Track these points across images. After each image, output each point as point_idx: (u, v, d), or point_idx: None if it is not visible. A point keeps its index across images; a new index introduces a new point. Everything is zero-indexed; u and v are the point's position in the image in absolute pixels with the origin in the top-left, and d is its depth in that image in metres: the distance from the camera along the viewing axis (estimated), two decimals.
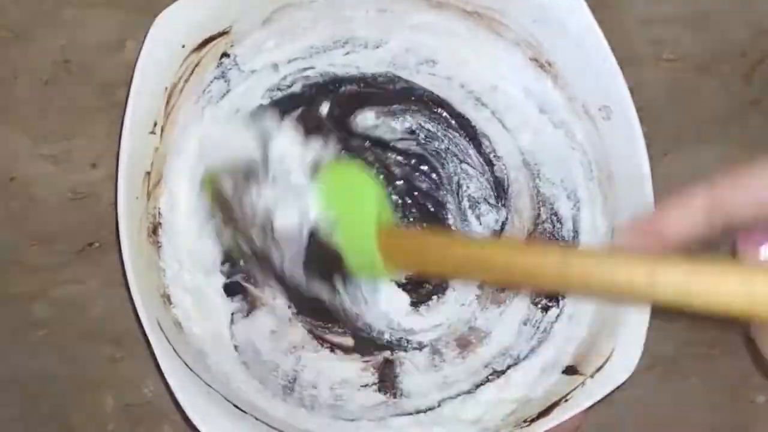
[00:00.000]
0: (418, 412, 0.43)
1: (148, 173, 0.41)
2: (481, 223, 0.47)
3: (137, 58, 0.40)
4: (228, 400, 0.40)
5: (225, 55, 0.44)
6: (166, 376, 0.38)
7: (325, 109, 0.47)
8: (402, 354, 0.46)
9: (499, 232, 0.47)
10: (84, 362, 0.48)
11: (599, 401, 0.39)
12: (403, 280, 0.46)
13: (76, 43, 0.49)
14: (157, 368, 0.38)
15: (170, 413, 0.48)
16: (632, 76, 0.41)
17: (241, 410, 0.40)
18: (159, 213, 0.43)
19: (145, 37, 0.40)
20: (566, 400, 0.38)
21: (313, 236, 0.41)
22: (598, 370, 0.38)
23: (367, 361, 0.45)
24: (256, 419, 0.40)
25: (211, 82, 0.44)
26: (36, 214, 0.49)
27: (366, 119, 0.47)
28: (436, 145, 0.48)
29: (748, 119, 0.51)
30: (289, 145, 0.42)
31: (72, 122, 0.49)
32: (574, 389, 0.39)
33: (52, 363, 0.48)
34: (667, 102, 0.51)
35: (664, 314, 0.31)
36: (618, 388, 0.39)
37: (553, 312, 0.44)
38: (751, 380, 0.49)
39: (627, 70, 0.41)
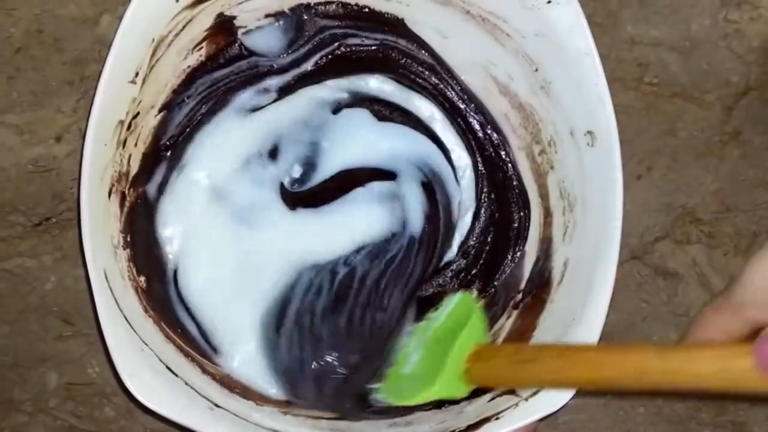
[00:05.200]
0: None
1: (122, 122, 0.41)
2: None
3: (112, 34, 0.40)
4: (162, 362, 0.39)
5: (221, 15, 0.44)
6: (102, 326, 0.37)
7: None
8: None
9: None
10: (31, 337, 0.48)
11: (541, 421, 0.39)
12: None
13: (51, 13, 0.49)
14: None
15: (113, 395, 0.48)
16: (613, 96, 0.41)
17: (173, 372, 0.40)
18: (128, 162, 0.43)
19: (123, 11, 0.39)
20: (497, 418, 0.38)
21: None
22: (534, 393, 0.38)
23: None
24: (186, 384, 0.40)
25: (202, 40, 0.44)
26: None
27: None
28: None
29: (726, 151, 0.51)
30: None
31: (39, 93, 0.48)
32: (507, 409, 0.39)
33: None
34: (646, 125, 0.50)
35: None
36: (557, 411, 0.38)
37: None
38: (698, 415, 0.49)
39: (609, 88, 0.41)
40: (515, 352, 0.39)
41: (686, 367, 0.30)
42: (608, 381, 0.33)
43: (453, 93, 0.48)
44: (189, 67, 0.44)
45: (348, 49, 0.47)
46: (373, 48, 0.47)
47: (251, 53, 0.46)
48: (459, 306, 0.43)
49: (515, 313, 0.46)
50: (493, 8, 0.43)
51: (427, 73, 0.48)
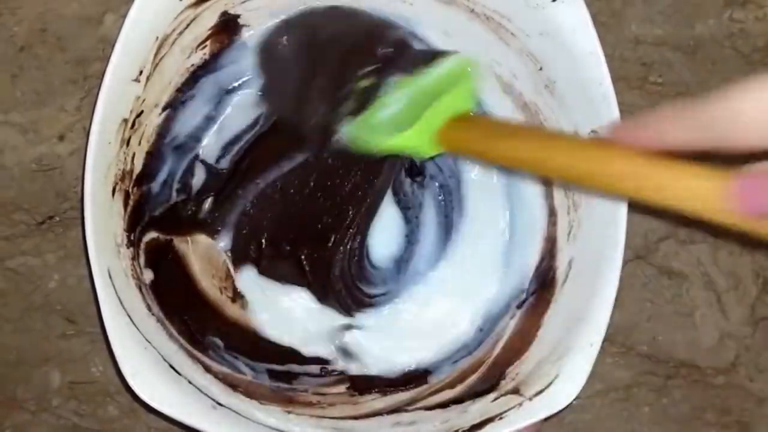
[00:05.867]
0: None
1: (126, 120, 0.41)
2: None
3: (116, 33, 0.39)
4: (165, 360, 0.39)
5: (225, 14, 0.44)
6: (106, 323, 0.37)
7: None
8: None
9: None
10: (34, 336, 0.48)
11: (545, 420, 0.39)
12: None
13: (55, 12, 0.49)
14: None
15: (116, 393, 0.48)
16: (617, 95, 0.41)
17: (176, 371, 0.40)
18: (131, 161, 0.43)
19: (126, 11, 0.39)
20: (501, 418, 0.38)
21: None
22: (538, 393, 0.38)
23: None
24: (189, 382, 0.40)
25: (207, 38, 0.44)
26: None
27: None
28: None
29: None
30: None
31: (43, 92, 0.48)
32: (511, 409, 0.39)
33: (1, 334, 0.48)
34: None
35: None
36: (562, 411, 0.39)
37: None
38: (704, 416, 0.49)
39: (613, 88, 0.40)
40: (494, 126, 0.39)
41: (660, 179, 0.27)
42: (579, 172, 0.31)
43: None
44: (193, 65, 0.44)
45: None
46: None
47: None
48: (453, 68, 0.42)
49: (519, 312, 0.45)
50: (498, 7, 0.43)
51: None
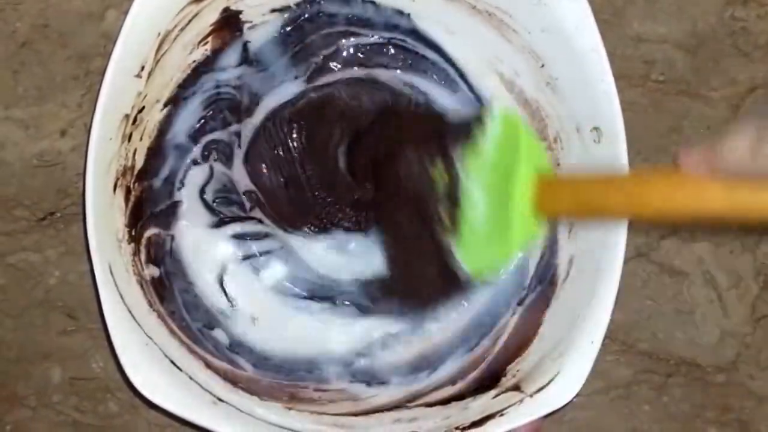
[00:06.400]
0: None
1: (127, 116, 0.41)
2: None
3: (118, 29, 0.40)
4: (166, 356, 0.40)
5: (227, 10, 0.44)
6: (107, 319, 0.37)
7: None
8: None
9: None
10: (35, 332, 0.48)
11: (546, 417, 0.39)
12: None
13: (57, 7, 0.49)
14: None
15: (116, 390, 0.48)
16: (619, 93, 0.41)
17: (177, 367, 0.40)
18: (133, 157, 0.43)
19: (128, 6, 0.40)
20: (501, 415, 0.38)
21: None
22: (539, 390, 0.38)
23: None
24: (190, 378, 0.40)
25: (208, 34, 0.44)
26: None
27: None
28: None
29: None
30: None
31: (44, 88, 0.48)
32: (511, 405, 0.39)
33: (2, 330, 0.48)
34: (652, 123, 0.50)
35: None
36: (563, 408, 0.39)
37: None
38: (704, 414, 0.49)
39: (615, 85, 0.41)
40: (589, 181, 0.36)
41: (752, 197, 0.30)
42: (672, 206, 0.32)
43: (458, 89, 0.48)
44: (194, 61, 0.44)
45: (353, 48, 0.47)
46: (378, 44, 0.47)
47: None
48: (504, 129, 0.39)
49: (520, 309, 0.45)
50: (500, 3, 0.43)
51: (432, 68, 0.48)
